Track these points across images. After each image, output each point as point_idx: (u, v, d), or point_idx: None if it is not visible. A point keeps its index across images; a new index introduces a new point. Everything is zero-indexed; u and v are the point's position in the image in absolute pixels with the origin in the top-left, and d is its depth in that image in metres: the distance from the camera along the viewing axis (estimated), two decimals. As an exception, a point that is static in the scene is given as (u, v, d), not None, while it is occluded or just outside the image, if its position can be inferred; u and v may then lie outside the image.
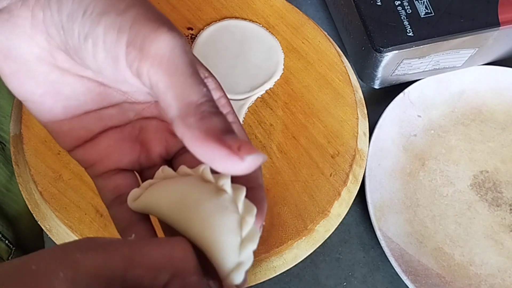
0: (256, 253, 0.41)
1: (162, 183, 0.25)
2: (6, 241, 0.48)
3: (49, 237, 0.40)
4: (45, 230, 0.40)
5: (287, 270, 0.41)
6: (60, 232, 0.40)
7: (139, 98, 0.26)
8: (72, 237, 0.39)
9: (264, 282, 0.41)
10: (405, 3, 0.46)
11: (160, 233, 0.27)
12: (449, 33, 0.46)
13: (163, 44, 0.21)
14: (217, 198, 0.23)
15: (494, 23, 0.46)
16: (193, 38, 0.47)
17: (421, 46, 0.45)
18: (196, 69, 0.22)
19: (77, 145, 0.26)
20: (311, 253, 0.42)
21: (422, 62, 0.48)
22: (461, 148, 0.51)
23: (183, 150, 0.27)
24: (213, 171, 0.24)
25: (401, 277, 0.43)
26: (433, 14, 0.46)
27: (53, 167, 0.40)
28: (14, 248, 0.49)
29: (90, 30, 0.22)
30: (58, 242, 0.40)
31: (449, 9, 0.46)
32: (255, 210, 0.24)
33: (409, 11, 0.46)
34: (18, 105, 0.43)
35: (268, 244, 0.40)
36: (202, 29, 0.48)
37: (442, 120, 0.52)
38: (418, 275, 0.44)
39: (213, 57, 0.47)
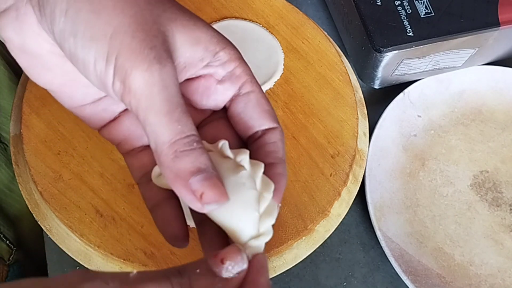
0: (256, 253, 0.41)
1: None
2: (7, 242, 0.48)
3: (49, 237, 0.40)
4: (45, 230, 0.40)
5: (287, 270, 0.41)
6: (60, 232, 0.40)
7: None
8: (72, 237, 0.39)
9: (264, 282, 0.41)
10: (405, 3, 0.46)
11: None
12: (449, 33, 0.46)
13: (141, 82, 0.21)
14: (235, 175, 0.24)
15: (494, 23, 0.46)
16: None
17: (421, 46, 0.45)
18: (176, 104, 0.22)
19: (103, 125, 0.27)
20: (311, 253, 0.42)
21: (422, 62, 0.48)
22: (461, 148, 0.51)
23: (204, 122, 0.28)
24: (232, 146, 0.25)
25: (401, 277, 0.43)
26: (433, 14, 0.46)
27: (53, 167, 0.40)
28: (15, 248, 0.49)
29: (82, 55, 0.22)
30: (58, 242, 0.40)
31: (449, 9, 0.46)
32: (272, 186, 0.25)
33: (409, 11, 0.46)
34: (18, 105, 0.43)
35: (267, 244, 0.40)
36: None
37: (442, 120, 0.52)
38: (418, 275, 0.44)
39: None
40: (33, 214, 0.41)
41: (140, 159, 0.27)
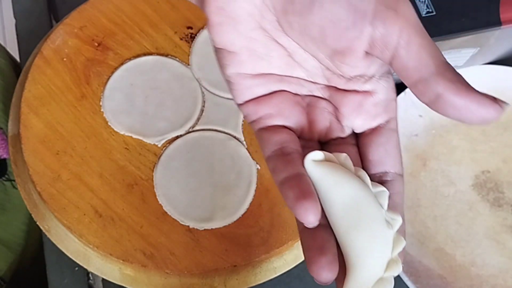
0: (256, 253, 0.41)
1: (342, 176, 0.24)
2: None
3: (48, 238, 0.40)
4: (43, 231, 0.40)
5: (288, 270, 0.41)
6: (59, 232, 0.39)
7: (317, 80, 0.27)
8: (71, 237, 0.39)
9: (264, 283, 0.41)
10: (406, 2, 0.46)
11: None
12: (451, 32, 0.45)
13: (411, 8, 0.22)
14: (378, 211, 0.24)
15: (495, 23, 0.46)
16: (193, 37, 0.47)
17: (423, 45, 0.45)
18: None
19: (251, 99, 0.27)
20: (311, 254, 0.41)
21: (423, 62, 0.48)
22: (463, 148, 0.51)
23: (339, 141, 0.27)
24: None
25: (402, 278, 0.43)
26: (434, 13, 0.46)
27: (52, 167, 0.40)
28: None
29: None
30: (57, 242, 0.40)
31: (450, 8, 0.46)
32: (403, 243, 0.25)
33: (410, 10, 0.46)
34: (17, 105, 0.43)
35: (268, 244, 0.40)
36: (202, 28, 0.47)
37: (443, 120, 0.52)
38: (419, 276, 0.44)
39: (213, 56, 0.46)
40: (32, 215, 0.41)
41: (280, 134, 0.26)
